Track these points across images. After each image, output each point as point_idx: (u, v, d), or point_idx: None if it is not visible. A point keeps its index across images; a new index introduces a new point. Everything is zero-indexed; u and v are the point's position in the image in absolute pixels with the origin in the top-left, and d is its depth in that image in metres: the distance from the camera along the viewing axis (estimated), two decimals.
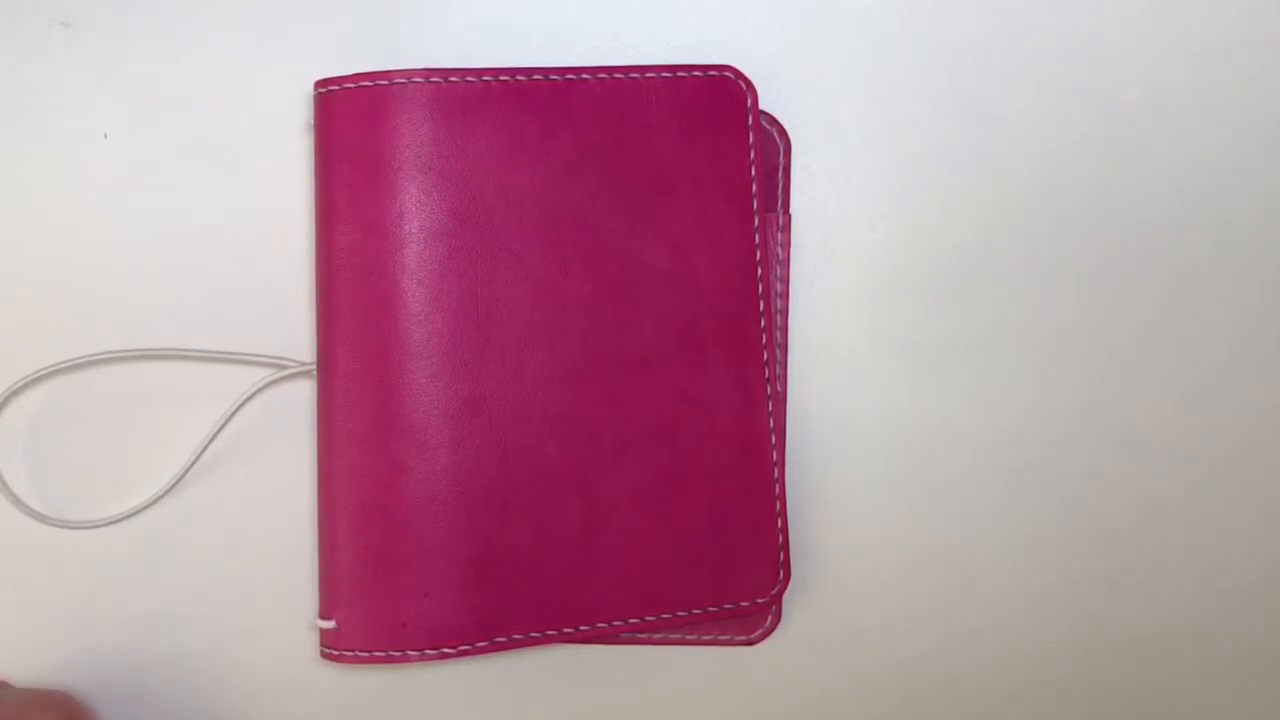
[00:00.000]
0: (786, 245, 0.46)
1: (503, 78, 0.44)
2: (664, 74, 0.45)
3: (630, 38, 0.47)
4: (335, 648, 0.43)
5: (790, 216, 0.47)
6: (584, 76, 0.45)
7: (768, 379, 0.45)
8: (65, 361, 0.45)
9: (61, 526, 0.46)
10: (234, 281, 0.47)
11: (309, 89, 0.46)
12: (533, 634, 0.43)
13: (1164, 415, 0.48)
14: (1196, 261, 0.48)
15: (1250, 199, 0.48)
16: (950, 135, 0.48)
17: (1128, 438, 0.47)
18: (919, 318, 0.47)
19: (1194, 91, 0.48)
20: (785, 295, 0.46)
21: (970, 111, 0.48)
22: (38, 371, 0.45)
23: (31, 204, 0.47)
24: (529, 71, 0.44)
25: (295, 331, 0.46)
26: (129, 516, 0.46)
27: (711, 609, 0.44)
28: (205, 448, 0.45)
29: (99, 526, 0.46)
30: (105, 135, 0.47)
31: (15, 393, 0.46)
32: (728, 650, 0.47)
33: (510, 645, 0.43)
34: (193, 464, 0.46)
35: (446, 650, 0.42)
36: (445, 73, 0.43)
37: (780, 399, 0.46)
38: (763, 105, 0.47)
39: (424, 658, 0.42)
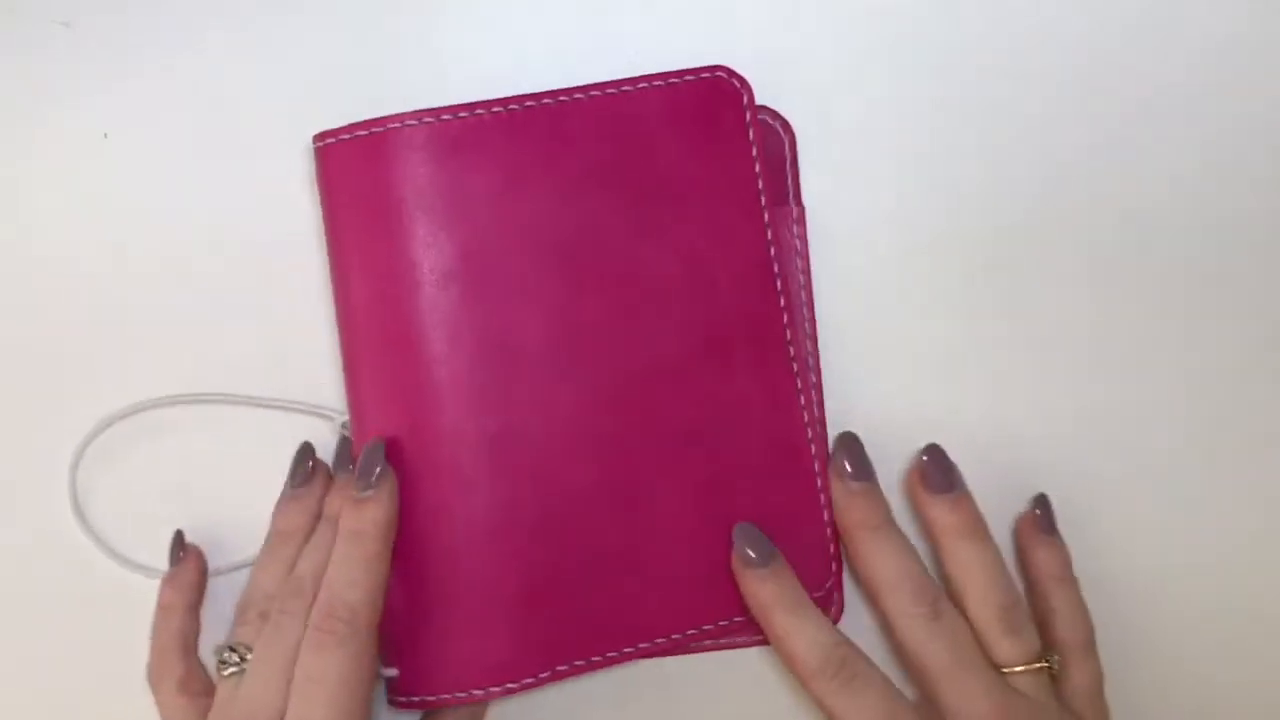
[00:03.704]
0: (803, 237, 0.46)
1: (495, 109, 0.43)
2: (656, 83, 0.44)
3: (629, 42, 0.47)
4: (401, 694, 0.43)
5: (804, 208, 0.46)
6: (576, 96, 0.44)
7: (797, 373, 0.45)
8: (129, 409, 0.45)
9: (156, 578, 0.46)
10: (244, 285, 0.47)
11: (310, 87, 0.46)
12: (594, 658, 0.43)
13: (1183, 413, 0.48)
14: (1222, 259, 0.48)
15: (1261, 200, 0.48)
16: (961, 131, 0.48)
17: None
18: (938, 309, 0.48)
19: (1207, 89, 0.48)
20: (808, 287, 0.46)
21: (980, 107, 0.48)
22: (108, 420, 0.45)
23: (30, 204, 0.46)
24: (521, 99, 0.43)
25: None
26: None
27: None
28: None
29: (140, 573, 0.46)
30: (105, 135, 0.47)
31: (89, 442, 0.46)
32: None
33: (571, 673, 0.43)
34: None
35: (510, 685, 0.42)
36: (437, 111, 0.43)
37: (816, 389, 0.46)
38: (768, 103, 0.46)
39: (489, 695, 0.42)
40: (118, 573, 0.46)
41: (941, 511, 0.44)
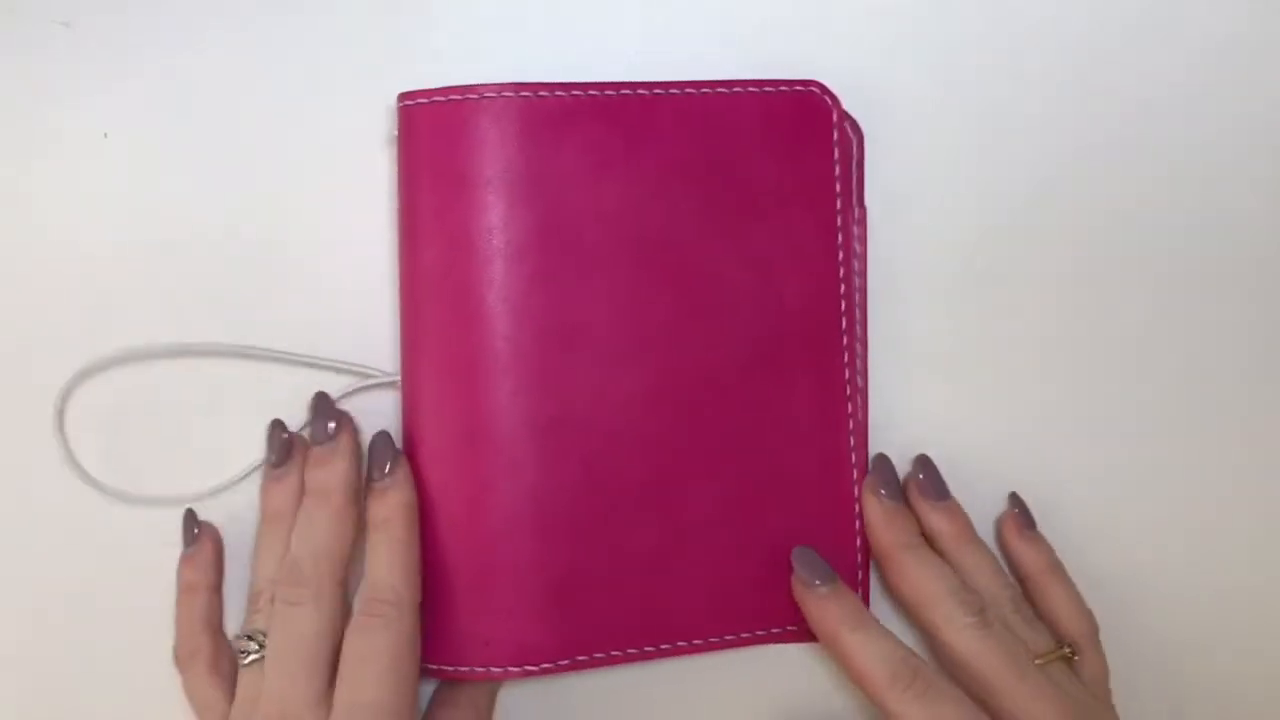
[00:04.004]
0: (863, 239, 0.46)
1: (591, 92, 0.43)
2: (750, 89, 0.44)
3: (629, 43, 0.47)
4: (422, 660, 0.43)
5: (866, 210, 0.46)
6: (671, 91, 0.44)
7: (849, 396, 0.45)
8: (146, 349, 0.45)
9: (133, 503, 0.46)
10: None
11: (310, 87, 0.46)
12: (614, 652, 0.43)
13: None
14: (1222, 259, 0.48)
15: None
16: (960, 131, 0.48)
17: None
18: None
19: (1207, 89, 0.48)
20: (863, 289, 0.46)
21: (980, 107, 0.48)
22: (116, 355, 0.45)
23: (30, 204, 0.46)
24: (616, 86, 0.43)
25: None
26: (201, 499, 0.46)
27: (790, 628, 0.45)
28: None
29: (167, 505, 0.46)
30: (105, 135, 0.47)
31: (97, 371, 0.45)
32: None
33: (592, 664, 0.43)
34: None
35: (530, 668, 0.42)
36: (534, 87, 0.43)
37: (862, 394, 0.46)
38: None
39: (507, 674, 0.42)
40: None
41: (941, 520, 0.45)
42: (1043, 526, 0.47)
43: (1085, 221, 0.48)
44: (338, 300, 0.46)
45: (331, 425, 0.43)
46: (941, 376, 0.48)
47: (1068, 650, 0.43)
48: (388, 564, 0.41)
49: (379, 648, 0.40)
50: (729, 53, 0.47)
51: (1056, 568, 0.46)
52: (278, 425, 0.45)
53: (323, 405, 0.44)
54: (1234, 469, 0.48)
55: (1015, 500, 0.47)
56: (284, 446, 0.44)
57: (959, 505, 0.46)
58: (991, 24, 0.48)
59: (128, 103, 0.47)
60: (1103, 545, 0.48)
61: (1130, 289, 0.48)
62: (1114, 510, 0.48)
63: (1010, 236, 0.48)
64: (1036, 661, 0.43)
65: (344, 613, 0.42)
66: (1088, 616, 0.45)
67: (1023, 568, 0.46)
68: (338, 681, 0.40)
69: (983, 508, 0.47)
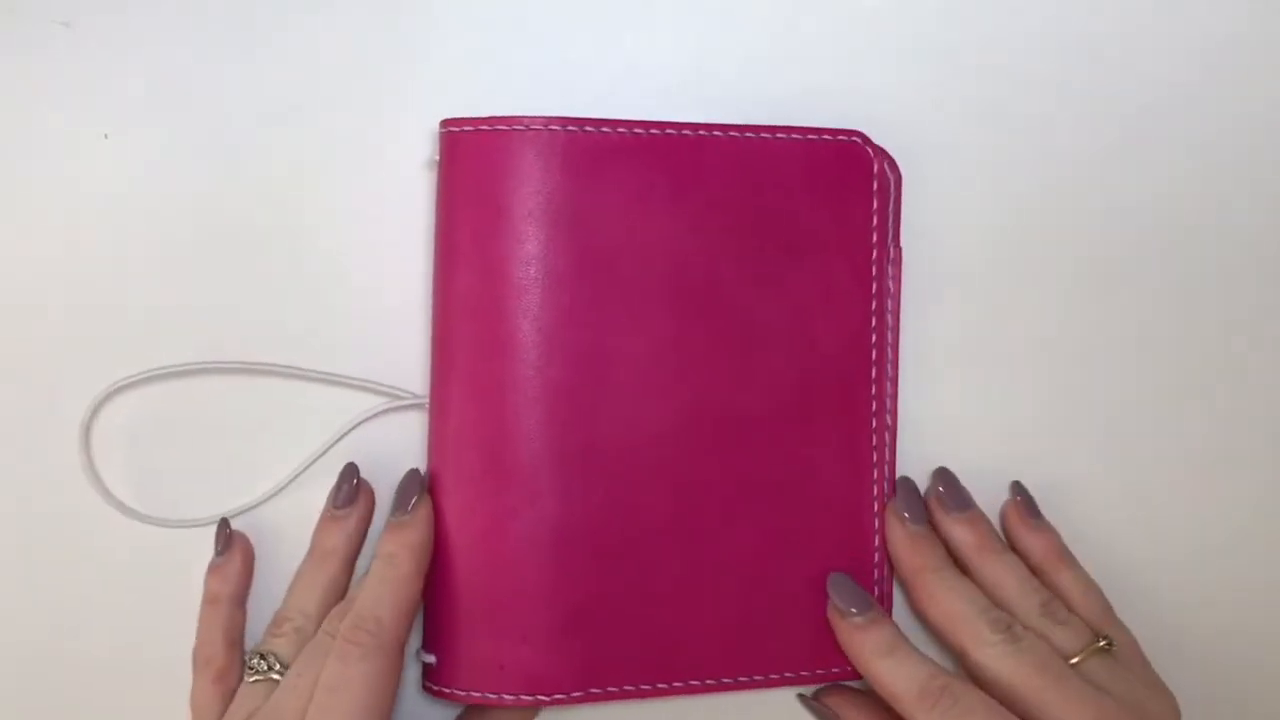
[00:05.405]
0: (897, 279, 0.46)
1: (636, 130, 0.43)
2: (794, 135, 0.45)
3: (629, 40, 0.47)
4: (435, 682, 0.44)
5: (901, 250, 0.46)
6: (715, 134, 0.44)
7: (874, 446, 0.46)
8: (178, 365, 0.45)
9: (157, 525, 0.46)
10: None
11: (310, 87, 0.46)
12: (627, 687, 0.43)
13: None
14: (1222, 258, 0.49)
15: None
16: (961, 131, 0.48)
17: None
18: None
19: (1207, 89, 0.48)
20: (896, 329, 0.46)
21: (980, 107, 0.48)
22: (148, 372, 0.45)
23: (30, 204, 0.46)
24: (662, 125, 0.44)
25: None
26: (219, 519, 0.46)
27: (804, 674, 0.45)
28: (309, 465, 0.46)
29: (195, 526, 0.46)
30: (105, 135, 0.47)
31: (123, 389, 0.46)
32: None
33: (604, 698, 0.43)
34: (295, 478, 0.46)
35: (541, 698, 0.43)
36: (580, 122, 0.43)
37: (890, 432, 0.46)
38: (767, 104, 0.46)
39: (519, 702, 0.43)
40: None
41: (963, 531, 0.45)
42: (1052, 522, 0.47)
43: (1087, 222, 0.48)
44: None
45: (414, 501, 0.43)
46: (946, 375, 0.48)
47: (1103, 643, 0.44)
48: (377, 596, 0.42)
49: (351, 677, 0.40)
50: (729, 51, 0.47)
51: (1064, 553, 0.46)
52: (351, 470, 0.45)
53: (410, 481, 0.44)
54: (1236, 468, 0.48)
55: (1018, 488, 0.47)
56: (351, 492, 0.45)
57: (982, 514, 0.46)
58: (992, 26, 0.48)
59: (128, 103, 0.46)
60: (1108, 544, 0.48)
61: (1132, 288, 0.48)
62: (1116, 509, 0.48)
63: (1011, 237, 0.48)
64: (1073, 661, 0.43)
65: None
66: (1097, 594, 0.46)
67: (1031, 557, 0.46)
68: (310, 705, 0.40)
69: (992, 505, 0.47)
